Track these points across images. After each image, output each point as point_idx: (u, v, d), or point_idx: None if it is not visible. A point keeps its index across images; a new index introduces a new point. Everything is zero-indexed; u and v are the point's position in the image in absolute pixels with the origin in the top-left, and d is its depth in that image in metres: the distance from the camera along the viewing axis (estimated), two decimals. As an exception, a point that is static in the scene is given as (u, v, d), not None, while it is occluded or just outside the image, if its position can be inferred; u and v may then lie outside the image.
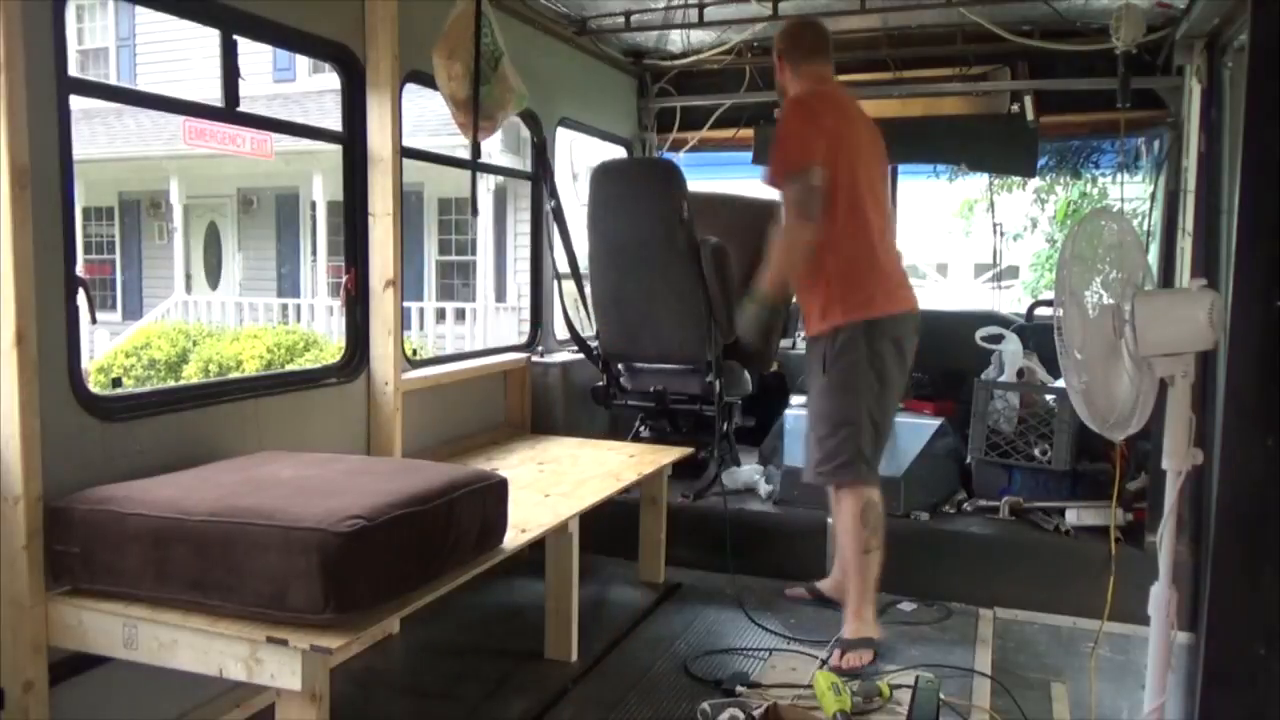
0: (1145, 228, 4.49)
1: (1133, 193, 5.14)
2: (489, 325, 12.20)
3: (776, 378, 4.62)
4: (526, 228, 4.91)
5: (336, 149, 3.18)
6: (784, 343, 4.48)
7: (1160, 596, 2.18)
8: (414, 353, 4.25)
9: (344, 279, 3.17)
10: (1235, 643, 2.12)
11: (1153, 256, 4.00)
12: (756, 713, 2.39)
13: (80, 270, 2.32)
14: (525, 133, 4.61)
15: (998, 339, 4.14)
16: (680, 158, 5.08)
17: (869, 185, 3.02)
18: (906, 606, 3.43)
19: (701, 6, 4.15)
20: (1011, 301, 10.05)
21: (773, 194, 3.18)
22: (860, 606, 3.02)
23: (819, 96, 3.09)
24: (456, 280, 13.56)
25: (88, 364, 8.68)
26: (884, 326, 2.99)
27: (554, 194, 4.31)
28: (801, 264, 3.00)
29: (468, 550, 2.29)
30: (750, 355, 4.18)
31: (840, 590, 3.27)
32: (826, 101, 3.08)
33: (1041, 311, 4.86)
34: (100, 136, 12.86)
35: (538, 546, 2.82)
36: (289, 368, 9.70)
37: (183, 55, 11.94)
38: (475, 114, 3.19)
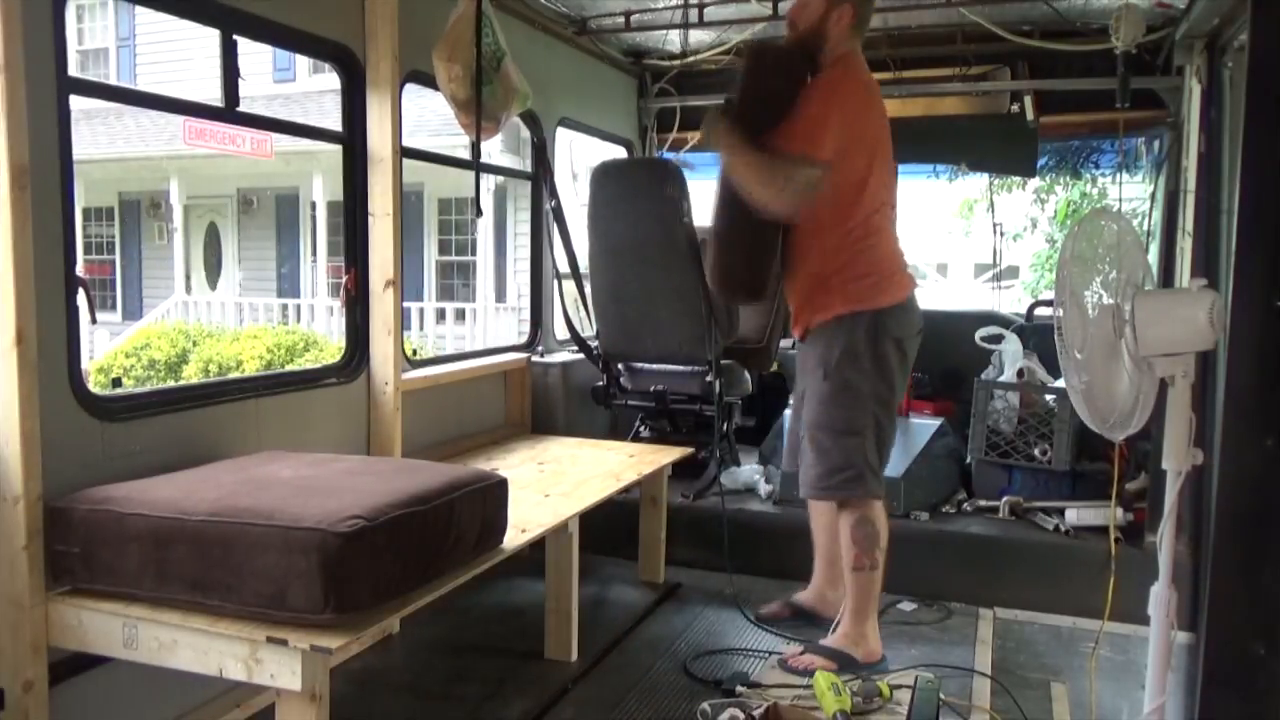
0: (1145, 228, 4.49)
1: (1133, 193, 5.14)
2: (489, 325, 12.20)
3: (776, 378, 4.62)
4: (526, 228, 4.92)
5: (336, 149, 3.18)
6: (784, 342, 4.48)
7: (1160, 596, 2.17)
8: (414, 353, 4.25)
9: (344, 279, 3.17)
10: (1235, 643, 2.12)
11: (1153, 256, 3.99)
12: (756, 713, 2.39)
13: (80, 270, 2.32)
14: (525, 133, 4.62)
15: (998, 339, 4.15)
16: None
17: (884, 179, 2.81)
18: (906, 606, 3.43)
19: (701, 6, 4.15)
20: (1011, 301, 10.05)
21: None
22: (853, 625, 2.87)
23: (866, 84, 2.82)
24: (456, 280, 13.56)
25: (88, 364, 8.69)
26: (893, 317, 2.78)
27: (554, 194, 4.31)
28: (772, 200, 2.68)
29: (468, 550, 2.29)
30: (750, 355, 4.18)
31: (821, 602, 3.20)
32: (870, 91, 2.82)
33: (1041, 311, 4.86)
34: (100, 136, 12.86)
35: (538, 546, 2.82)
36: (289, 368, 9.70)
37: (183, 55, 11.95)
38: (477, 114, 3.19)
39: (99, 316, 12.36)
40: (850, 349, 2.77)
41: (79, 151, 2.57)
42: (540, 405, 4.23)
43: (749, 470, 4.17)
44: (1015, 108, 4.64)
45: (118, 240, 15.02)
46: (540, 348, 4.43)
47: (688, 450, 3.83)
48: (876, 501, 2.84)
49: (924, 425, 4.08)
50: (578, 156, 5.47)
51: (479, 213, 3.64)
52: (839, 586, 3.07)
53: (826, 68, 2.81)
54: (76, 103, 2.23)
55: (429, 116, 9.22)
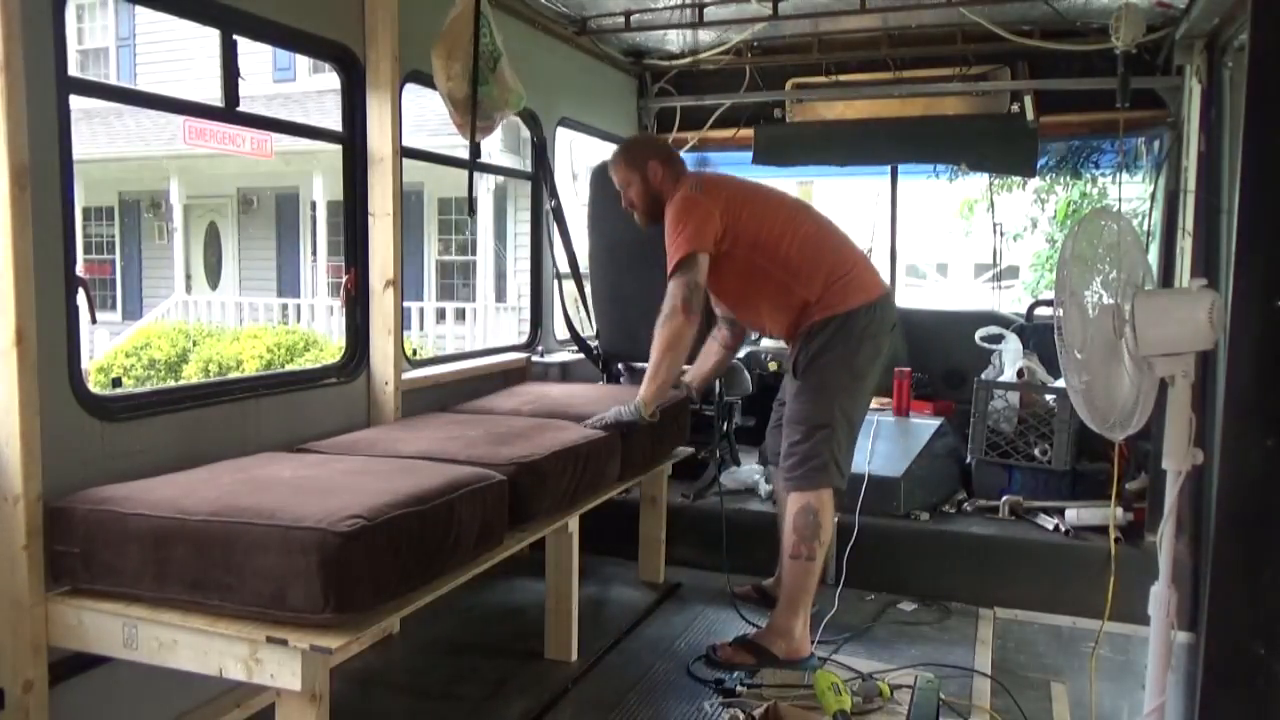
0: (1145, 228, 4.49)
1: (1133, 193, 5.14)
2: (489, 325, 12.21)
3: (777, 377, 4.61)
4: (526, 228, 4.92)
5: (336, 149, 3.19)
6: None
7: (1160, 596, 2.18)
8: (414, 352, 4.24)
9: (344, 279, 3.17)
10: (1235, 643, 2.11)
11: (1153, 256, 4.00)
12: (756, 713, 2.39)
13: (80, 270, 2.32)
14: (525, 133, 4.62)
15: (998, 339, 4.15)
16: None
17: (778, 226, 3.00)
18: (906, 606, 3.43)
19: (701, 6, 4.15)
20: (1011, 301, 10.04)
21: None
22: (783, 618, 2.92)
23: (703, 182, 3.08)
24: (457, 280, 13.56)
25: (88, 364, 8.68)
26: (860, 317, 2.92)
27: (554, 194, 4.31)
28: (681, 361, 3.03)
29: (468, 550, 2.29)
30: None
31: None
32: (710, 181, 3.10)
33: (1041, 311, 4.86)
34: (100, 136, 12.86)
35: (538, 546, 2.82)
36: (289, 368, 9.70)
37: (183, 55, 11.94)
38: (474, 114, 3.19)
39: (99, 316, 12.35)
40: (820, 350, 2.92)
41: (79, 151, 2.57)
42: (540, 405, 4.23)
43: (749, 470, 4.17)
44: (1015, 108, 4.65)
45: (118, 240, 15.02)
46: (540, 348, 4.43)
47: (688, 450, 3.83)
48: (827, 493, 2.90)
49: (924, 425, 4.08)
50: (578, 156, 5.47)
51: (472, 212, 3.64)
52: None
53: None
54: (76, 102, 2.23)
55: (429, 116, 9.19)
